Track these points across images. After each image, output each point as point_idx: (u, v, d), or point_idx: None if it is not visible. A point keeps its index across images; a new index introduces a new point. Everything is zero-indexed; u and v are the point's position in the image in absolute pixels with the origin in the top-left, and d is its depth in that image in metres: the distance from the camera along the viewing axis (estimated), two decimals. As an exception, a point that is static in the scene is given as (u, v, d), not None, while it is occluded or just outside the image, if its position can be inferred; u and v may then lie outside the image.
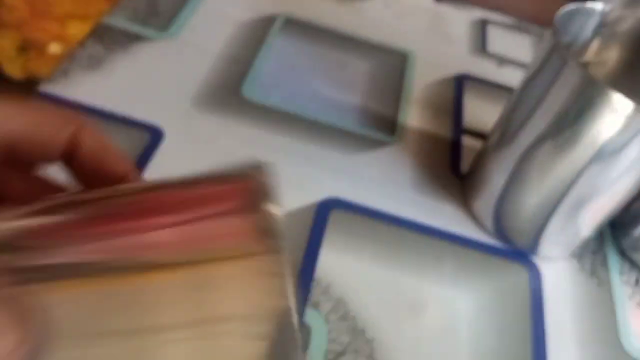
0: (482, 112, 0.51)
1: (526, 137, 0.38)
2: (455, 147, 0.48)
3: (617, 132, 0.33)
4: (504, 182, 0.40)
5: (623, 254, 0.45)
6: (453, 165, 0.47)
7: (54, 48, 0.45)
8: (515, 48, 0.61)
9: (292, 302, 0.17)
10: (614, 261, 0.44)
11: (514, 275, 0.41)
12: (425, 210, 0.43)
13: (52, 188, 0.23)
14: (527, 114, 0.38)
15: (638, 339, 0.40)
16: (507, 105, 0.41)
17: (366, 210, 0.42)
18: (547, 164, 0.37)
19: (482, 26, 0.63)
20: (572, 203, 0.38)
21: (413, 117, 0.50)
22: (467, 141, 0.49)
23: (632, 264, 0.44)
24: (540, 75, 0.37)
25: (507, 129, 0.40)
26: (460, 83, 0.55)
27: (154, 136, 0.43)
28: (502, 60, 0.59)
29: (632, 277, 0.44)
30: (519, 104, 0.39)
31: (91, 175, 0.22)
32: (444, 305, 0.38)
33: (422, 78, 0.54)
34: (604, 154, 0.35)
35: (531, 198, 0.39)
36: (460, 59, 0.58)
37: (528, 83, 0.38)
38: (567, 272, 0.43)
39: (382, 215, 0.42)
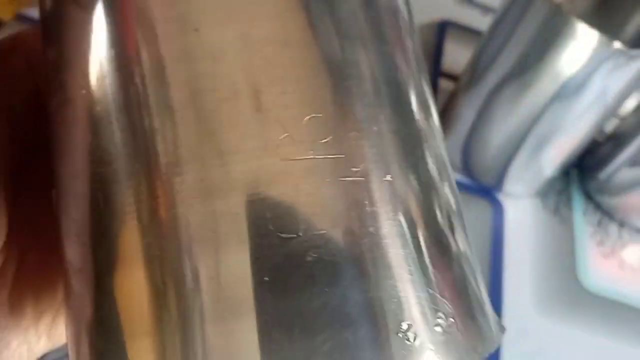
0: (462, 58, 0.52)
1: (493, 76, 0.39)
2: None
3: (580, 67, 0.35)
4: (472, 120, 0.42)
5: (588, 196, 0.46)
6: (427, 105, 0.48)
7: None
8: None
9: None
10: (578, 202, 0.46)
11: (478, 211, 0.43)
12: (397, 146, 0.45)
13: None
14: (495, 53, 0.39)
15: (595, 275, 0.42)
16: (478, 47, 0.42)
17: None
18: (512, 102, 0.38)
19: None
20: (536, 141, 0.40)
21: (391, 58, 0.51)
22: (445, 84, 0.50)
23: (597, 206, 0.46)
24: (509, 13, 0.38)
25: (476, 69, 0.41)
26: (443, 29, 0.55)
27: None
28: (487, 9, 0.60)
29: (595, 218, 0.45)
30: (487, 44, 0.40)
31: None
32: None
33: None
34: (567, 91, 0.36)
35: (497, 136, 0.41)
36: (446, 7, 0.59)
37: (497, 23, 0.39)
38: (531, 209, 0.44)
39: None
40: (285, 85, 0.15)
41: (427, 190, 0.16)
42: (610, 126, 0.47)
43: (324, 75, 0.15)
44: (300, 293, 0.14)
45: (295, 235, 0.14)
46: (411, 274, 0.15)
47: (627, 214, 0.45)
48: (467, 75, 0.42)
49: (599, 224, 0.45)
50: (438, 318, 0.15)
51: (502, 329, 0.18)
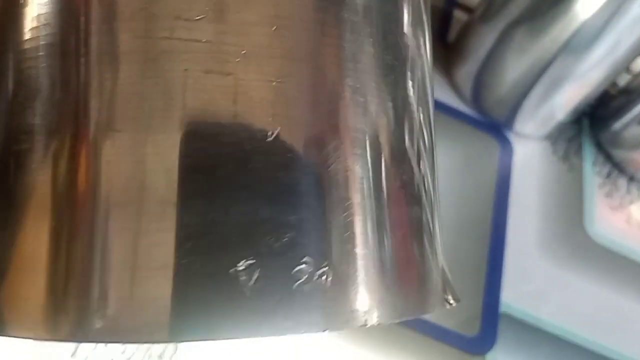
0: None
1: (508, 14, 0.37)
2: (445, 17, 0.46)
3: (595, 14, 0.33)
4: (485, 55, 0.39)
5: (599, 146, 0.44)
6: (441, 34, 0.45)
7: None
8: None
9: None
10: (588, 151, 0.43)
11: (486, 146, 0.40)
12: (405, 71, 0.41)
13: None
14: None
15: (602, 226, 0.39)
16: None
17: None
18: (525, 43, 0.37)
19: None
20: (548, 83, 0.37)
21: (406, -20, 0.47)
22: (459, 14, 0.46)
23: (607, 157, 0.43)
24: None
25: (492, 4, 0.38)
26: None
27: None
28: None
29: (605, 169, 0.43)
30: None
31: None
32: (409, 160, 0.37)
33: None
34: (580, 40, 0.34)
35: (509, 73, 0.38)
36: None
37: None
38: (539, 152, 0.41)
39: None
40: None
41: (399, 114, 0.15)
42: (623, 81, 0.45)
43: None
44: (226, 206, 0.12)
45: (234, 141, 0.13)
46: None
47: (637, 169, 0.43)
48: (483, 7, 0.40)
49: (609, 175, 0.42)
50: (302, 263, 0.13)
51: (453, 296, 0.16)
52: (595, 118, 0.45)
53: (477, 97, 0.41)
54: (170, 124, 0.12)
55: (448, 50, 0.44)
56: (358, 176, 0.14)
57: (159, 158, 0.12)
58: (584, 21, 0.34)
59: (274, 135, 0.13)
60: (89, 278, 0.12)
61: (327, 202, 0.13)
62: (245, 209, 0.13)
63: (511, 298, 0.34)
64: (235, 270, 0.12)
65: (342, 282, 0.13)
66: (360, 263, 0.14)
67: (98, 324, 0.12)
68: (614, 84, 0.45)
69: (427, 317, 0.32)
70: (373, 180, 0.14)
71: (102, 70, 0.13)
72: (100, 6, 0.13)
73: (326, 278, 0.13)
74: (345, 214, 0.13)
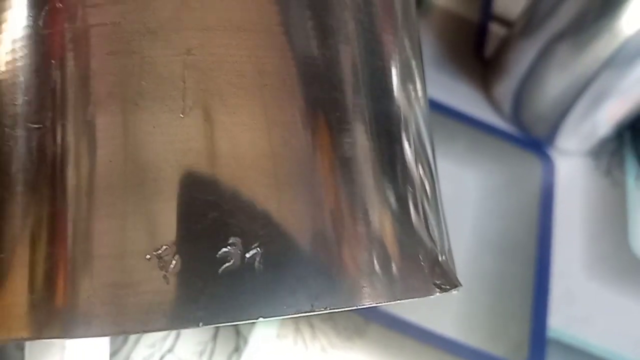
0: (514, 1, 0.48)
1: (550, 29, 0.36)
2: (481, 31, 0.45)
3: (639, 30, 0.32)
4: (525, 70, 0.39)
5: (642, 159, 0.43)
6: (477, 49, 0.44)
7: None
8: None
9: None
10: (631, 165, 0.42)
11: (527, 164, 0.39)
12: (444, 89, 0.41)
13: None
14: (553, 4, 0.36)
15: (646, 242, 0.39)
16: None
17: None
18: (568, 58, 0.36)
19: None
20: (592, 98, 0.37)
21: (441, -5, 0.47)
22: (495, 28, 0.46)
23: (650, 170, 0.42)
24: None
25: (532, 18, 0.38)
26: (494, -28, 0.51)
27: None
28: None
29: (648, 183, 0.42)
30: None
31: None
32: (452, 183, 0.37)
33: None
34: (625, 55, 0.34)
35: (551, 89, 0.38)
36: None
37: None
38: (582, 168, 0.41)
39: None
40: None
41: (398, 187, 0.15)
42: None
43: None
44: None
45: None
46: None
47: (681, 182, 0.42)
48: (523, 21, 0.39)
49: (652, 190, 0.42)
50: (227, 245, 0.12)
51: (447, 281, 0.15)
52: (638, 130, 0.44)
53: (517, 113, 0.40)
54: (77, 111, 0.12)
55: (485, 65, 0.43)
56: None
57: (67, 146, 0.12)
58: (629, 36, 0.33)
59: (187, 111, 0.12)
60: (53, 270, 0.12)
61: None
62: (159, 191, 0.12)
63: (558, 322, 0.34)
64: (153, 256, 0.12)
65: (278, 265, 0.12)
66: (302, 241, 0.12)
67: (92, 316, 0.12)
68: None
69: (474, 343, 0.32)
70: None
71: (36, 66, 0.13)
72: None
73: (258, 260, 0.12)
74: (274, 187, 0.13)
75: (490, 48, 0.44)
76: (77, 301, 0.12)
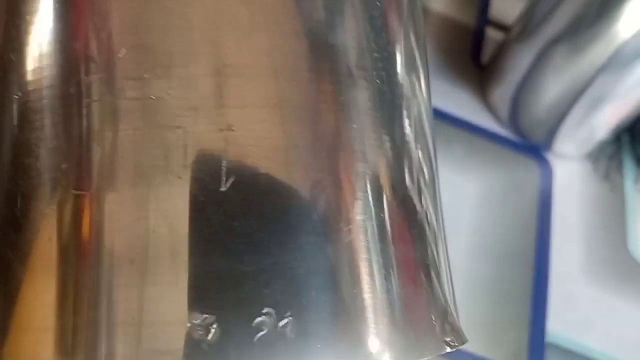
0: (511, 7, 0.48)
1: (546, 33, 0.36)
2: (477, 37, 0.45)
3: (638, 31, 0.32)
4: (522, 75, 0.39)
5: (639, 161, 0.43)
6: (474, 54, 0.44)
7: None
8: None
9: None
10: (629, 168, 0.42)
11: (525, 169, 0.40)
12: (441, 95, 0.41)
13: None
14: (550, 8, 0.36)
15: (645, 246, 0.39)
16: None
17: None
18: (565, 62, 0.36)
19: None
20: (589, 102, 0.37)
21: (437, 1, 0.47)
22: (492, 33, 0.46)
23: (649, 173, 0.43)
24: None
25: (529, 23, 0.38)
26: (490, -24, 0.51)
27: None
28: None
29: (647, 186, 0.42)
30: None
31: None
32: (449, 189, 0.37)
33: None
34: (624, 55, 0.34)
35: (548, 93, 0.38)
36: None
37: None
38: (580, 172, 0.41)
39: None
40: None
41: (397, 153, 0.15)
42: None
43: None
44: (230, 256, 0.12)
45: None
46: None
47: (680, 185, 0.42)
48: (519, 26, 0.39)
49: (651, 193, 0.42)
50: (262, 315, 0.12)
51: (456, 338, 0.16)
52: (636, 133, 0.44)
53: (514, 118, 0.40)
54: (122, 183, 0.13)
55: (482, 71, 0.43)
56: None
57: (113, 217, 0.13)
58: (625, 40, 0.33)
59: (227, 185, 0.13)
60: (95, 335, 0.12)
61: (290, 248, 0.13)
62: (201, 261, 0.12)
63: (557, 327, 0.34)
64: (193, 325, 0.12)
65: (308, 333, 0.13)
66: (328, 311, 0.13)
67: None
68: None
69: (472, 349, 0.32)
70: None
71: (66, 140, 0.13)
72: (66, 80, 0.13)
73: (290, 329, 0.13)
74: (309, 258, 0.13)
75: (487, 53, 0.44)
76: None
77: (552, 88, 0.38)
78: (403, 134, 0.16)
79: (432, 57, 0.43)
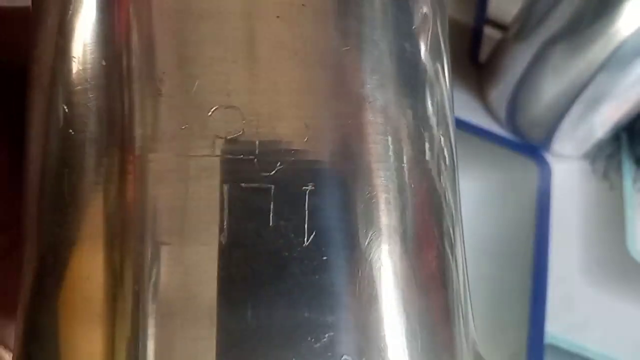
0: (509, 6, 0.48)
1: (545, 32, 0.36)
2: (475, 36, 0.45)
3: (636, 31, 0.32)
4: (520, 75, 0.39)
5: (638, 161, 0.43)
6: (472, 53, 0.44)
7: None
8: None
9: None
10: (628, 168, 0.42)
11: (523, 169, 0.39)
12: (438, 95, 0.41)
13: None
14: (549, 6, 0.36)
15: (644, 246, 0.39)
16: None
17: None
18: (564, 62, 0.36)
19: None
20: (588, 101, 0.37)
21: None
22: (490, 32, 0.46)
23: (647, 173, 0.42)
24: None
25: (527, 22, 0.38)
26: (488, -25, 0.51)
27: None
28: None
29: (646, 186, 0.42)
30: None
31: None
32: (447, 188, 0.37)
33: (449, -35, 0.50)
34: (621, 57, 0.34)
35: (546, 93, 0.38)
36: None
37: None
38: (579, 172, 0.41)
39: (392, 94, 0.40)
40: None
41: (418, 125, 0.15)
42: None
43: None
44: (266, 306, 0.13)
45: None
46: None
47: (679, 184, 0.42)
48: (517, 25, 0.39)
49: (650, 192, 0.41)
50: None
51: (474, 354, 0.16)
52: (634, 132, 0.44)
53: (512, 118, 0.40)
54: (211, 236, 0.13)
55: (480, 70, 0.43)
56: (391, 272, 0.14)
57: (202, 269, 0.13)
58: (623, 39, 0.33)
59: (309, 241, 0.13)
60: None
61: (362, 300, 0.14)
62: (286, 313, 0.13)
63: (556, 328, 0.33)
64: None
65: None
66: (394, 353, 0.14)
67: None
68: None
69: (472, 351, 0.32)
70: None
71: (145, 186, 0.13)
72: (142, 128, 0.14)
73: None
74: (377, 312, 0.14)
75: (485, 52, 0.44)
76: None
77: (550, 87, 0.37)
78: (425, 110, 0.16)
79: (430, 56, 0.43)
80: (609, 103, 0.37)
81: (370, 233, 0.14)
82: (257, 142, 0.14)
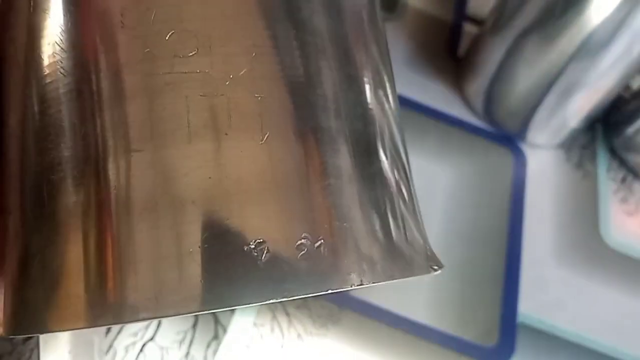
0: (488, 3, 0.50)
1: (519, 23, 0.37)
2: (454, 31, 0.47)
3: (607, 18, 0.33)
4: (495, 66, 0.40)
5: (613, 152, 0.44)
6: (451, 48, 0.46)
7: None
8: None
9: None
10: (602, 157, 0.44)
11: (499, 158, 0.41)
12: (417, 88, 0.43)
13: None
14: (520, 1, 0.37)
15: (617, 231, 0.40)
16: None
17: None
18: (537, 52, 0.37)
19: None
20: (561, 90, 0.38)
21: (415, -3, 0.48)
22: (469, 28, 0.47)
23: (621, 162, 0.44)
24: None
25: (501, 16, 0.39)
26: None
27: None
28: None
29: (620, 174, 0.43)
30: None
31: None
32: (424, 176, 0.38)
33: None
34: (593, 45, 0.35)
35: (521, 83, 0.39)
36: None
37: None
38: (553, 161, 0.42)
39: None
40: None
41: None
42: (637, 83, 0.45)
43: None
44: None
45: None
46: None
47: (652, 173, 0.43)
48: (492, 19, 0.40)
49: (623, 181, 0.43)
50: (302, 239, 0.16)
51: (432, 263, 0.20)
52: (609, 123, 0.45)
53: (488, 110, 0.42)
54: (179, 140, 0.15)
55: (458, 64, 0.45)
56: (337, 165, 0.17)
57: (175, 167, 0.15)
58: (593, 29, 0.34)
59: (264, 139, 0.16)
60: (125, 271, 0.15)
61: (314, 189, 0.16)
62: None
63: (528, 308, 0.35)
64: (249, 248, 0.15)
65: (337, 251, 0.16)
66: (350, 235, 0.17)
67: (138, 306, 0.15)
68: (627, 87, 0.45)
69: (445, 328, 0.33)
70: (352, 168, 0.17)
71: (118, 106, 0.16)
72: (111, 56, 0.16)
73: (323, 249, 0.16)
74: (331, 196, 0.17)
75: (464, 48, 0.46)
76: (126, 298, 0.15)
77: (524, 79, 0.39)
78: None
79: (410, 51, 0.45)
80: (580, 93, 0.38)
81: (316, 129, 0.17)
82: (210, 59, 0.16)
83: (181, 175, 0.15)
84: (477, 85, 0.42)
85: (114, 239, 0.15)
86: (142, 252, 0.15)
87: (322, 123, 0.17)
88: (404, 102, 0.41)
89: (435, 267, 0.20)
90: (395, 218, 0.18)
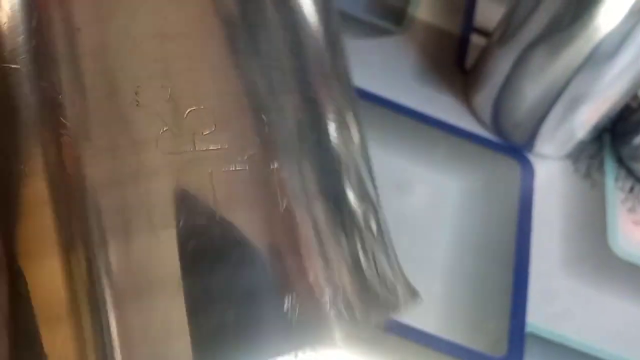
0: (495, 15, 0.50)
1: (526, 34, 0.38)
2: (462, 44, 0.47)
3: (615, 29, 0.34)
4: (503, 77, 0.40)
5: (621, 161, 0.44)
6: (458, 60, 0.46)
7: None
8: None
9: None
10: (610, 167, 0.44)
11: (507, 169, 0.41)
12: (425, 100, 0.43)
13: None
14: (529, 10, 0.37)
15: (625, 241, 0.40)
16: (511, 2, 0.40)
17: (365, 94, 0.42)
18: (545, 62, 0.37)
19: None
20: (569, 101, 0.38)
21: (423, 9, 0.49)
22: (477, 39, 0.48)
23: (629, 172, 0.44)
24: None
25: (508, 28, 0.39)
26: (476, -15, 0.53)
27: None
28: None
29: (628, 184, 0.43)
30: (521, 1, 0.38)
31: None
32: (432, 188, 0.39)
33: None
34: (600, 55, 0.35)
35: (529, 94, 0.39)
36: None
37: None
38: (561, 171, 0.42)
39: (381, 100, 0.42)
40: (165, 79, 0.15)
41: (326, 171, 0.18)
42: (645, 93, 0.45)
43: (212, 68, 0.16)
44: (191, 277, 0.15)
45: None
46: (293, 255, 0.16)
47: (660, 183, 0.43)
48: (499, 31, 0.41)
49: (631, 190, 0.43)
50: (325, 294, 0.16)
51: (412, 294, 0.20)
52: (616, 133, 0.45)
53: (496, 121, 0.42)
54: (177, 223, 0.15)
55: (466, 76, 0.45)
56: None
57: (160, 252, 0.15)
58: (603, 38, 0.34)
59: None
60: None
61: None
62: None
63: (537, 318, 0.35)
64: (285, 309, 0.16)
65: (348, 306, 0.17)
66: (348, 289, 0.17)
67: None
68: (635, 97, 0.45)
69: (454, 338, 0.33)
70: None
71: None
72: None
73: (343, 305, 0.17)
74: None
75: (471, 60, 0.46)
76: None
77: (531, 90, 0.39)
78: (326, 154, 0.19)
79: (418, 64, 0.45)
80: (587, 104, 0.39)
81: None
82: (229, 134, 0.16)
83: (167, 257, 0.15)
84: (485, 97, 0.42)
85: (98, 329, 0.15)
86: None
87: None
88: (411, 113, 0.42)
89: (416, 298, 0.20)
90: (367, 258, 0.19)
